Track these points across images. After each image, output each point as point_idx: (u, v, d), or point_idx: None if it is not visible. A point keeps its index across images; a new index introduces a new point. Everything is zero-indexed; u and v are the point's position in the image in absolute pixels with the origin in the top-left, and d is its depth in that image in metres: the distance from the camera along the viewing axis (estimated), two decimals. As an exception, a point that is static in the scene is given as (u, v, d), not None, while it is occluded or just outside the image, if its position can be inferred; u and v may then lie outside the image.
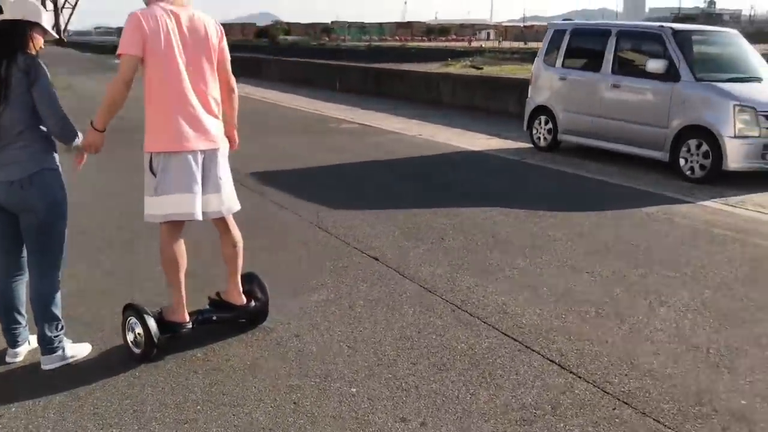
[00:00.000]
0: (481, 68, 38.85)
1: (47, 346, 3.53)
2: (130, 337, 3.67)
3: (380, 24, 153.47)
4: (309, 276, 4.92)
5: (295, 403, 3.24)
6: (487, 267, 5.15)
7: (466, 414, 3.16)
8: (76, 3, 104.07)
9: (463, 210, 6.77)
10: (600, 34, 9.98)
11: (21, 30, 3.31)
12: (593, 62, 9.93)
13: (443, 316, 4.25)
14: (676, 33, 8.93)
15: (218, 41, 3.65)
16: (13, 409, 3.15)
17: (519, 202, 7.08)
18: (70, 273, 4.78)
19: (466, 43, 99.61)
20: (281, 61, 28.75)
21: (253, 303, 4.00)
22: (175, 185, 3.51)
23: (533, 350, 3.80)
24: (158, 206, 3.54)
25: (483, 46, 78.73)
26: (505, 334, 3.99)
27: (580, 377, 3.51)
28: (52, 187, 3.40)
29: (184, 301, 3.70)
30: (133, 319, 3.63)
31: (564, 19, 14.48)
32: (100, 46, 66.17)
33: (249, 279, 4.08)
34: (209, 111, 3.62)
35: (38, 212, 3.37)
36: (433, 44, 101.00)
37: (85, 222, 5.93)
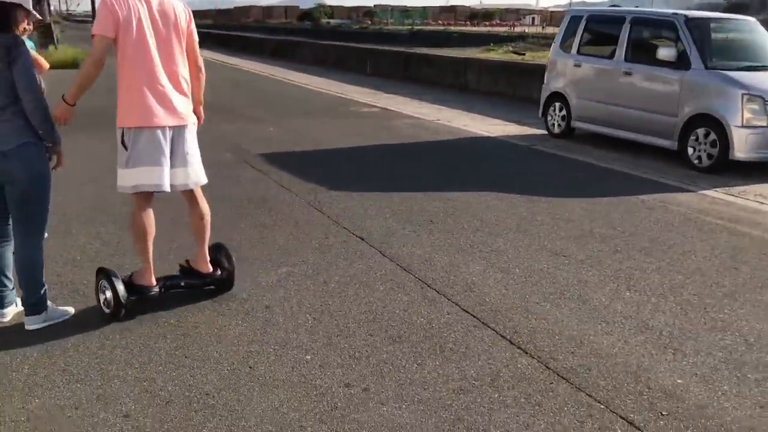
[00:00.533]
0: (523, 54, 38.40)
1: (30, 308, 3.81)
2: (101, 298, 3.95)
3: (424, 8, 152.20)
4: (292, 252, 5.13)
5: (250, 367, 3.46)
6: (466, 248, 5.30)
7: (408, 382, 3.34)
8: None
9: (459, 194, 6.90)
10: (615, 21, 9.94)
11: (2, 12, 3.54)
12: (607, 49, 9.91)
13: (411, 293, 4.43)
14: (688, 20, 8.87)
15: (187, 24, 3.89)
16: (-7, 363, 3.44)
17: (518, 188, 7.18)
18: (72, 243, 5.09)
19: (509, 28, 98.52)
20: (315, 44, 28.96)
21: (219, 272, 4.26)
22: (145, 158, 3.77)
23: (488, 326, 3.95)
24: (129, 178, 3.80)
25: (526, 31, 77.79)
26: (465, 311, 4.15)
27: (526, 353, 3.66)
28: (34, 159, 3.64)
29: (151, 267, 3.98)
30: (104, 282, 3.91)
31: (611, 5, 14.36)
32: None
33: (217, 249, 4.34)
34: (178, 89, 3.86)
35: (21, 183, 3.61)
36: (475, 29, 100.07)
37: (83, 195, 6.25)
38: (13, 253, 3.84)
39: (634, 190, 7.28)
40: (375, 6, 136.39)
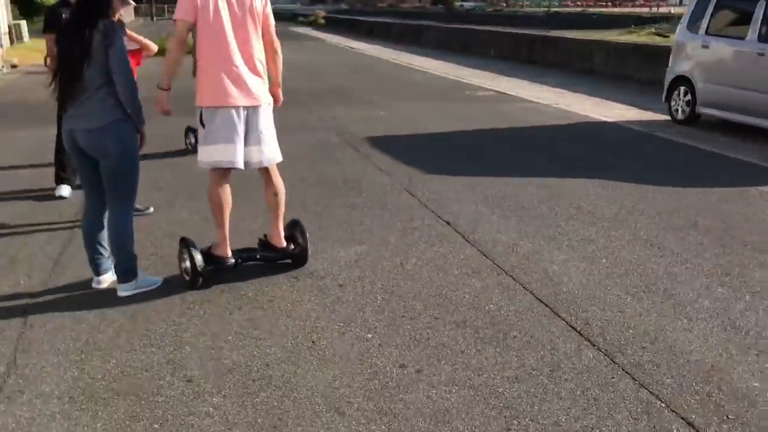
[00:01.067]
0: (667, 36, 36.32)
1: (122, 275, 4.11)
2: (182, 266, 4.22)
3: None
4: (375, 233, 5.20)
5: (313, 342, 3.57)
6: (555, 236, 5.15)
7: (463, 367, 3.32)
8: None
9: (560, 180, 6.71)
10: (749, -2, 9.21)
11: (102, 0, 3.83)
12: (739, 29, 9.22)
13: (486, 279, 4.37)
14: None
15: (263, 8, 4.06)
16: (83, 324, 3.74)
17: (626, 175, 6.88)
18: (173, 217, 5.42)
19: (653, 9, 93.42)
20: (439, 27, 28.86)
21: (292, 247, 4.43)
22: (220, 136, 3.98)
23: (559, 316, 3.84)
24: (206, 154, 4.04)
25: (672, 12, 73.43)
26: (539, 299, 4.05)
27: (593, 345, 3.52)
28: (125, 136, 3.92)
29: (227, 239, 4.21)
30: (184, 251, 4.17)
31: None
32: (282, 13, 69.59)
33: (293, 225, 4.52)
34: (253, 71, 4.03)
35: (112, 157, 3.91)
36: (617, 10, 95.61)
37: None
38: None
39: (756, 181, 6.77)
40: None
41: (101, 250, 4.18)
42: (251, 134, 4.08)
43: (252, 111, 4.06)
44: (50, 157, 6.26)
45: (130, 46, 5.30)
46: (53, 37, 4.84)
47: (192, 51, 4.10)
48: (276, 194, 4.31)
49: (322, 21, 47.95)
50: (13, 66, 17.60)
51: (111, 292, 4.15)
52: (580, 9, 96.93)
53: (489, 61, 20.54)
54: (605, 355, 3.43)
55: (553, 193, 6.30)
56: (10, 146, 8.15)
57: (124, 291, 4.11)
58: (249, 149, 4.10)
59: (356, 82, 15.27)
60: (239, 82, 3.97)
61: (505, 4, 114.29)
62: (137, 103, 3.91)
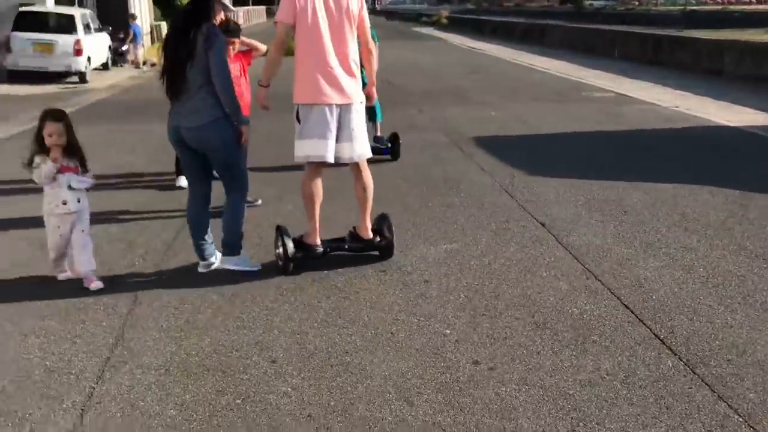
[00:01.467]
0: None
1: (228, 249, 4.49)
2: (276, 252, 4.54)
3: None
4: (468, 232, 5.26)
5: (392, 333, 3.70)
6: (653, 242, 5.02)
7: (536, 367, 3.34)
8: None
9: (668, 186, 6.48)
10: None
11: (205, 5, 4.21)
12: None
13: (573, 282, 4.34)
14: None
15: (358, 11, 4.29)
16: (186, 305, 4.05)
17: (741, 183, 6.54)
18: (279, 210, 5.73)
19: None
20: (563, 27, 28.23)
21: (378, 239, 4.63)
22: (313, 132, 4.26)
23: (644, 323, 3.77)
24: (300, 148, 4.34)
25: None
26: (625, 306, 3.99)
27: (675, 354, 3.44)
28: (225, 131, 4.26)
29: (317, 228, 4.50)
30: (278, 239, 4.49)
31: None
32: (407, 14, 70.30)
33: (381, 219, 4.72)
34: (347, 71, 4.27)
35: (218, 151, 4.28)
36: (762, 7, 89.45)
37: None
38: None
39: None
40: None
41: (205, 236, 4.51)
42: (343, 131, 4.33)
43: (345, 109, 4.30)
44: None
45: (243, 47, 5.65)
46: None
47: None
48: (365, 189, 4.53)
49: (445, 21, 48.00)
50: (153, 65, 18.87)
51: (215, 275, 4.46)
52: (720, 7, 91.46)
53: (612, 61, 19.90)
54: (686, 365, 3.35)
55: (658, 198, 6.11)
56: (144, 140, 8.84)
57: (225, 263, 4.50)
58: (340, 145, 4.34)
59: (472, 82, 15.27)
60: (333, 82, 4.23)
61: (637, 2, 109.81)
62: (235, 103, 4.23)
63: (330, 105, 4.25)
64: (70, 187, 4.14)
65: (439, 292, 4.21)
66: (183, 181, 6.53)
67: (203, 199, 4.48)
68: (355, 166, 4.51)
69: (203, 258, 4.55)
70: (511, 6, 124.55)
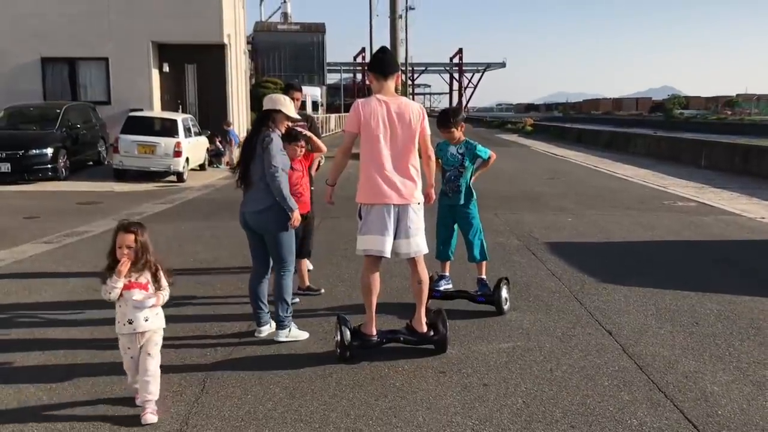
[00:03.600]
0: None
1: (280, 323, 5.06)
2: (336, 339, 4.78)
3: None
4: (533, 337, 5.26)
5: (445, 435, 3.73)
6: (724, 356, 4.88)
7: (588, 478, 3.29)
8: (476, 84, 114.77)
9: (744, 299, 6.30)
10: None
11: (266, 117, 5.02)
12: None
13: (636, 392, 4.26)
14: None
15: (419, 122, 4.67)
16: (249, 396, 4.21)
17: (825, 298, 6.29)
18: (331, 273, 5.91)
19: None
20: (648, 135, 28.18)
21: (431, 333, 4.81)
22: (373, 228, 4.63)
23: (705, 439, 3.65)
24: (361, 242, 4.71)
25: None
26: (688, 419, 3.88)
27: (737, 474, 3.31)
28: (279, 215, 4.94)
29: (374, 319, 4.76)
30: (337, 327, 4.75)
31: None
32: (493, 121, 71.76)
33: (436, 314, 4.92)
34: (405, 175, 4.65)
35: (272, 231, 4.98)
36: None
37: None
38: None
39: None
40: (737, 95, 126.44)
41: (262, 305, 5.16)
42: (401, 229, 4.66)
43: (402, 209, 4.66)
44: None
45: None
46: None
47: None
48: (420, 282, 4.78)
49: (530, 128, 48.66)
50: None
51: (280, 366, 4.63)
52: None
53: (698, 170, 19.63)
54: (748, 485, 3.21)
55: (734, 310, 5.94)
56: (231, 235, 9.32)
57: (279, 337, 5.07)
58: (398, 242, 4.68)
59: (550, 187, 15.36)
60: (391, 184, 4.60)
61: (730, 112, 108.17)
62: (282, 193, 4.88)
63: (388, 205, 4.62)
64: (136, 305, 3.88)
65: (497, 396, 4.22)
66: None
67: (263, 273, 5.18)
68: (412, 261, 4.81)
69: (259, 324, 5.21)
70: (599, 114, 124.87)
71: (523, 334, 5.36)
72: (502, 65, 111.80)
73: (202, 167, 19.11)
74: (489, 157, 6.12)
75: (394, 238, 4.68)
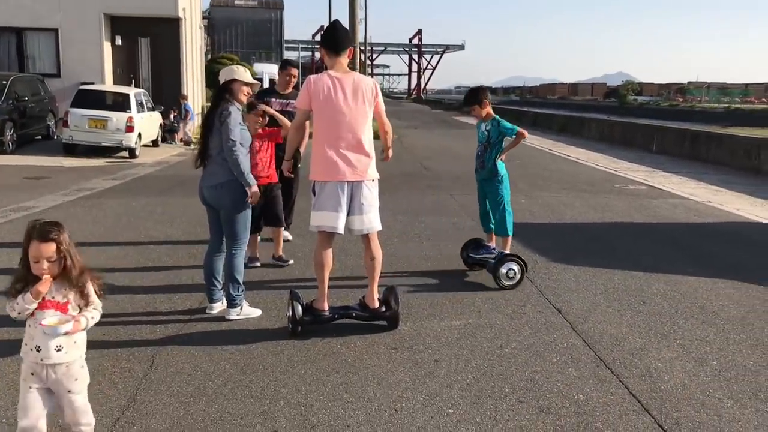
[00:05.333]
0: None
1: (231, 301, 5.00)
2: (287, 314, 4.81)
3: (746, 85, 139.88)
4: (483, 315, 5.32)
5: (395, 410, 3.74)
6: (668, 333, 5.01)
7: (534, 451, 3.35)
8: (435, 66, 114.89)
9: (690, 279, 6.47)
10: None
11: (224, 89, 4.96)
12: None
13: (583, 369, 4.34)
14: None
15: (373, 97, 4.65)
16: (199, 372, 4.17)
17: (766, 281, 6.49)
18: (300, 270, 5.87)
19: None
20: (601, 121, 28.60)
21: (383, 309, 4.84)
22: (326, 205, 4.59)
23: (649, 413, 3.75)
24: (314, 218, 4.68)
25: None
26: (632, 395, 3.97)
27: (677, 446, 3.41)
28: (236, 192, 4.86)
29: (326, 295, 4.77)
30: (289, 302, 4.77)
31: None
32: (451, 103, 71.92)
33: (389, 290, 4.97)
34: (359, 151, 4.61)
35: (226, 207, 4.89)
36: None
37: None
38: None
39: None
40: (689, 83, 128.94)
41: (215, 282, 5.09)
42: (354, 205, 4.63)
43: (356, 185, 4.63)
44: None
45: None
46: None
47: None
48: (373, 259, 4.81)
49: (488, 111, 48.80)
50: (199, 143, 19.62)
51: (231, 343, 4.59)
52: (764, 106, 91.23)
53: (649, 155, 20.01)
54: (688, 457, 3.31)
55: (679, 290, 6.10)
56: (185, 212, 9.17)
57: (230, 315, 5.03)
58: (351, 218, 4.67)
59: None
60: (345, 160, 4.57)
61: (681, 99, 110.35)
62: (239, 168, 4.81)
63: (342, 182, 4.58)
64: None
65: (447, 372, 4.26)
66: None
67: (218, 249, 5.09)
68: (365, 238, 4.80)
69: (211, 300, 5.15)
70: (555, 99, 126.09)
71: (474, 311, 5.41)
72: (461, 47, 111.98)
73: (155, 143, 18.74)
74: (517, 134, 6.23)
75: (348, 214, 4.65)
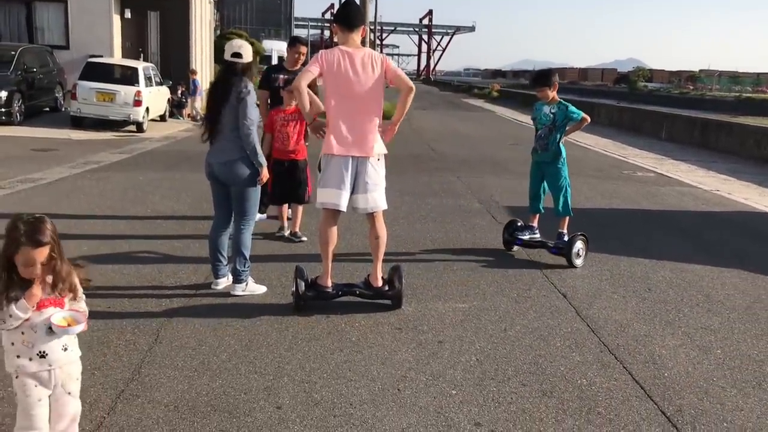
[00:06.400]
0: None
1: (237, 277, 4.98)
2: (292, 290, 4.80)
3: (758, 74, 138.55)
4: (488, 297, 5.32)
5: (398, 390, 3.75)
6: (673, 321, 5.00)
7: (536, 433, 3.35)
8: (445, 47, 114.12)
9: (696, 267, 6.45)
10: None
11: (233, 65, 4.87)
12: None
13: (587, 354, 4.34)
14: None
15: (382, 68, 4.56)
16: (203, 347, 4.18)
17: (773, 270, 6.47)
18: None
19: None
20: (611, 106, 28.42)
21: (386, 288, 4.84)
22: (330, 181, 4.58)
23: (652, 399, 3.75)
24: (319, 195, 4.68)
25: None
26: (636, 381, 3.97)
27: (679, 433, 3.42)
28: (248, 167, 4.82)
29: (329, 271, 4.77)
30: (295, 278, 4.77)
31: None
32: (460, 85, 71.54)
33: (393, 269, 4.95)
34: (366, 128, 4.56)
35: (238, 184, 4.86)
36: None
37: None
38: (229, 237, 5.09)
39: None
40: (700, 71, 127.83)
41: (221, 257, 5.08)
42: (359, 183, 4.61)
43: (361, 162, 4.59)
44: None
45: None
46: (266, 94, 6.81)
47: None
48: (377, 238, 4.79)
49: (497, 94, 48.66)
50: (206, 119, 19.57)
51: (236, 318, 4.59)
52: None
53: (658, 142, 19.90)
54: (690, 444, 3.32)
55: (685, 278, 6.08)
56: (191, 187, 9.17)
57: (236, 291, 5.00)
58: (356, 196, 4.64)
59: (513, 153, 15.41)
60: (354, 136, 4.53)
61: (692, 87, 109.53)
62: (254, 148, 4.78)
63: (346, 157, 4.55)
64: (50, 330, 2.67)
65: (451, 353, 4.26)
66: None
67: (224, 225, 5.06)
68: (370, 217, 4.78)
69: (216, 276, 5.14)
70: (565, 83, 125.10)
71: (479, 294, 5.41)
72: (472, 29, 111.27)
73: (162, 118, 18.70)
74: (582, 119, 6.25)
75: (352, 192, 4.63)
